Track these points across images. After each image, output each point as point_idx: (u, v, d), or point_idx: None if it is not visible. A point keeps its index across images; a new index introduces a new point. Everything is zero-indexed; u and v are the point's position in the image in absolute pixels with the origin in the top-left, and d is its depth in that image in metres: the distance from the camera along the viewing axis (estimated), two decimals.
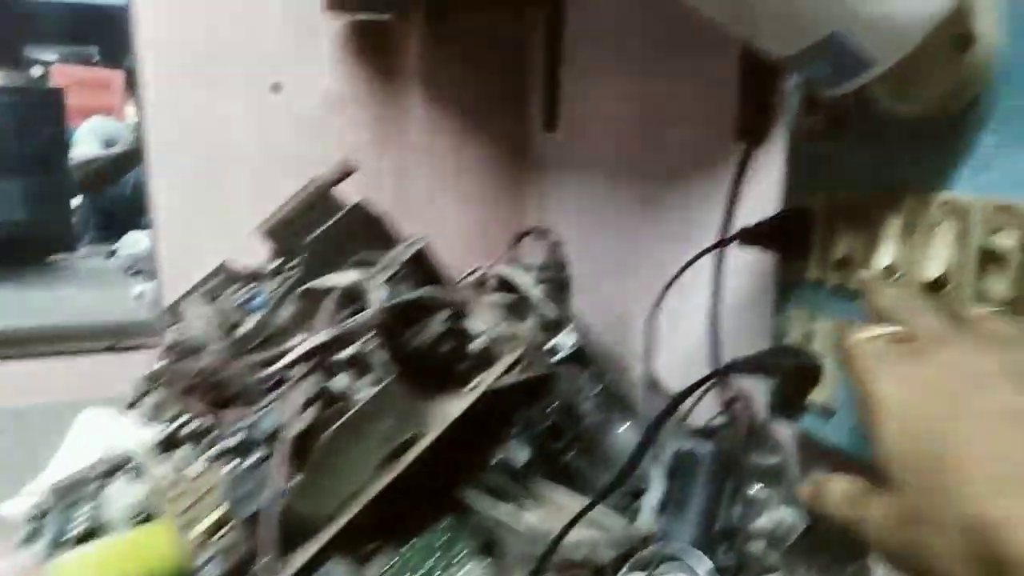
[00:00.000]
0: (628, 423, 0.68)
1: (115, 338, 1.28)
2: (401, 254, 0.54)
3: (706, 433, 0.72)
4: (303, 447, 0.47)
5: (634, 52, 1.00)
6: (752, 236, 0.59)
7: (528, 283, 0.76)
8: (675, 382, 0.97)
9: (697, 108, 0.87)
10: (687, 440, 0.67)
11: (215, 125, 1.32)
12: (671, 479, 0.66)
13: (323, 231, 0.55)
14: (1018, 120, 0.44)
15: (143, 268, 1.78)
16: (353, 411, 0.47)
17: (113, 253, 2.10)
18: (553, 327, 0.75)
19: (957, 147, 0.48)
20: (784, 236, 0.59)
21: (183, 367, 0.54)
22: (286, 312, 0.50)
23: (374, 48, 1.34)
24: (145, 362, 1.27)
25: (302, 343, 0.47)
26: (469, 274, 0.80)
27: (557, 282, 0.82)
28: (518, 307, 0.78)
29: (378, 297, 0.47)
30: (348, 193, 0.97)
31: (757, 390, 0.73)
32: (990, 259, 0.45)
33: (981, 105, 0.46)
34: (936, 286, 0.49)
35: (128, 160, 2.33)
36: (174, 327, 0.64)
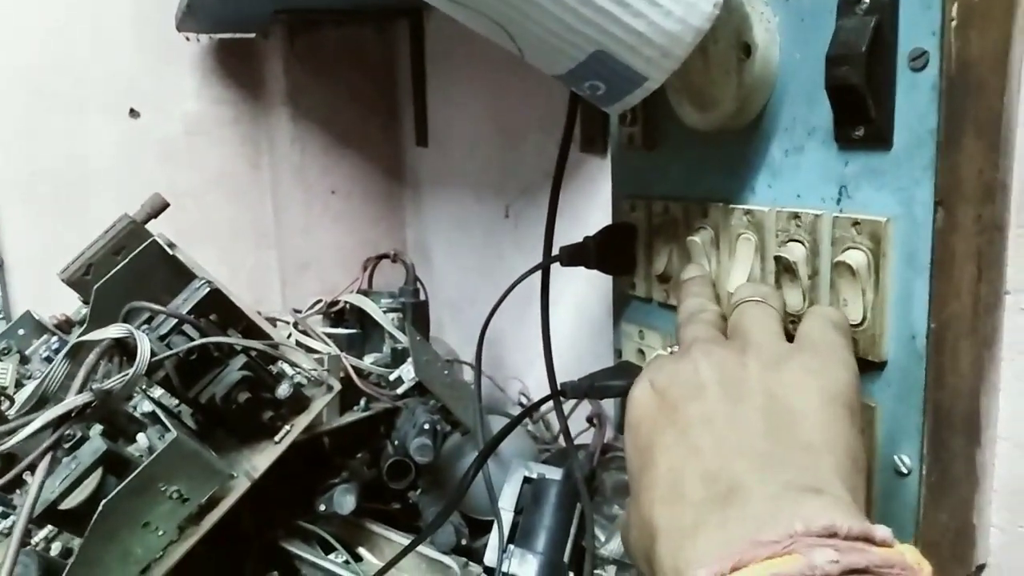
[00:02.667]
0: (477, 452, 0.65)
1: None
2: (188, 300, 0.50)
3: (559, 457, 0.70)
4: (80, 519, 0.43)
5: (488, 66, 0.99)
6: (574, 256, 0.57)
7: (378, 311, 0.73)
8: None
9: (547, 121, 0.86)
10: (537, 466, 0.65)
11: (71, 152, 1.24)
12: (521, 509, 0.63)
13: (112, 275, 0.50)
14: (797, 127, 0.44)
15: None
16: (136, 473, 0.43)
17: None
18: (403, 356, 0.72)
19: (752, 158, 0.47)
20: (609, 252, 0.58)
21: None
22: (59, 371, 0.46)
23: (239, 68, 1.29)
24: None
25: (49, 410, 0.43)
26: (315, 304, 0.76)
27: (412, 307, 0.79)
28: (371, 338, 0.75)
29: (144, 351, 0.44)
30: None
31: (611, 407, 0.72)
32: (785, 269, 0.44)
33: (768, 115, 0.45)
34: None
35: None
36: None
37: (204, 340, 0.47)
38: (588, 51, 0.39)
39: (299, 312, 0.74)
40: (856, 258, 0.40)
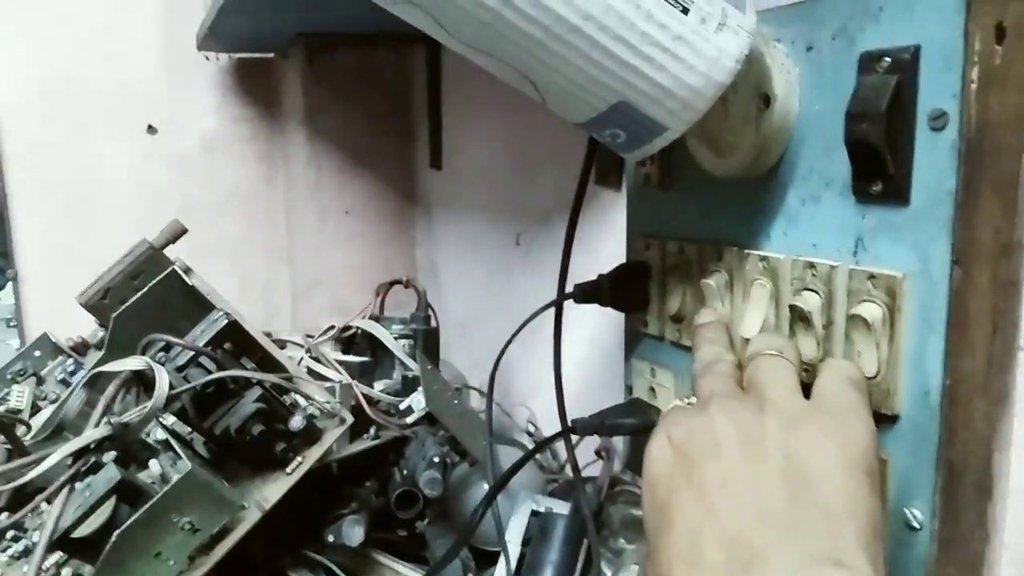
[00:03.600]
0: (487, 484, 0.66)
1: None
2: (205, 332, 0.50)
3: (569, 489, 0.70)
4: (101, 548, 0.43)
5: (504, 93, 0.99)
6: (588, 293, 0.58)
7: (390, 338, 0.74)
8: (553, 429, 0.96)
9: (564, 151, 0.86)
10: (545, 500, 0.65)
11: (88, 167, 1.26)
12: (528, 541, 0.63)
13: (132, 304, 0.51)
14: (815, 177, 0.44)
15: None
16: (150, 504, 0.44)
17: None
18: (414, 384, 0.72)
19: (768, 205, 0.47)
20: (623, 290, 0.58)
21: None
22: (76, 401, 0.46)
23: (257, 87, 1.30)
24: None
25: (71, 442, 0.43)
26: (327, 330, 0.77)
27: (423, 334, 0.80)
28: (382, 365, 0.75)
29: (163, 384, 0.44)
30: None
31: (621, 442, 0.72)
32: (799, 318, 0.44)
33: (785, 164, 0.46)
34: None
35: None
36: None
37: (222, 374, 0.48)
38: (610, 102, 0.40)
39: (311, 337, 0.75)
40: (871, 311, 0.40)
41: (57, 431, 0.46)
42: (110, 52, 1.23)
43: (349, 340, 0.83)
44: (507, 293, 1.01)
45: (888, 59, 0.38)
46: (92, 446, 0.43)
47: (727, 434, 0.34)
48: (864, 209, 0.41)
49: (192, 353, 0.48)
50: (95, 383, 0.46)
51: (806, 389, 0.40)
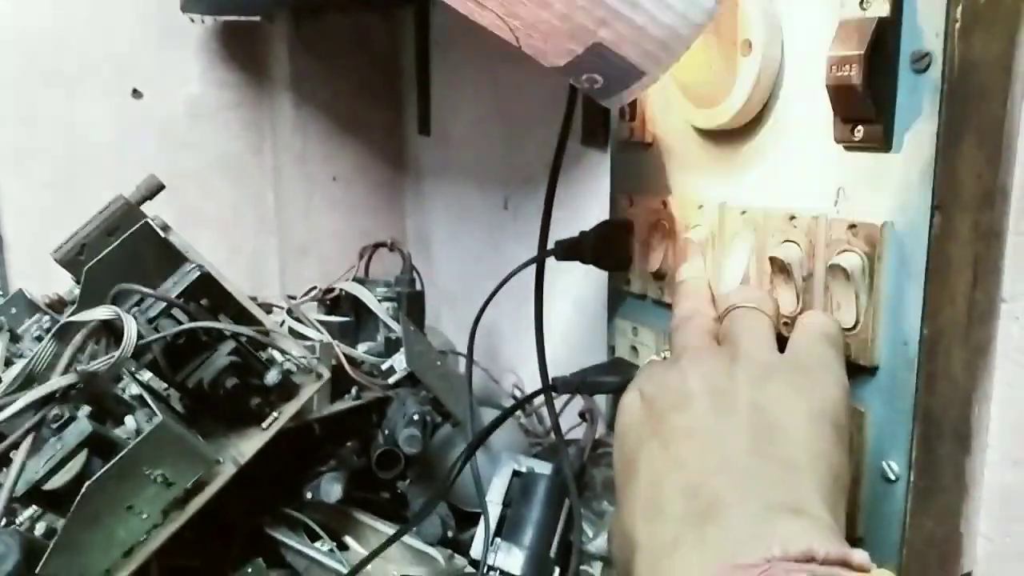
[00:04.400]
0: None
1: None
2: (178, 284, 0.50)
3: (550, 451, 0.70)
4: (64, 501, 0.43)
5: (492, 57, 0.98)
6: (569, 250, 0.57)
7: (373, 300, 0.73)
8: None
9: (551, 114, 0.85)
10: (527, 460, 0.64)
11: (71, 131, 1.23)
12: (509, 502, 0.63)
13: (103, 257, 0.50)
14: (797, 126, 0.43)
15: None
16: (120, 456, 0.43)
17: None
18: (397, 346, 0.71)
19: (750, 157, 0.47)
20: (605, 247, 0.58)
21: None
22: (47, 352, 0.46)
23: (243, 52, 1.28)
24: None
25: (34, 389, 0.43)
26: (310, 291, 0.76)
27: (407, 296, 0.79)
28: (366, 326, 0.75)
29: (131, 333, 0.43)
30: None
31: (604, 402, 0.71)
32: (779, 270, 0.44)
33: (767, 114, 0.45)
34: None
35: None
36: None
37: (192, 325, 0.47)
38: (586, 43, 0.39)
39: (294, 299, 0.74)
40: (851, 261, 0.39)
41: (27, 383, 0.46)
42: (93, 13, 1.20)
43: (333, 303, 0.82)
44: (496, 259, 1.00)
45: (871, 0, 0.37)
46: (58, 394, 0.43)
47: (696, 386, 0.34)
48: (845, 157, 0.40)
49: (164, 305, 0.48)
50: (64, 335, 0.46)
51: (785, 343, 0.39)
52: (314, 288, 0.76)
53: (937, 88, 0.36)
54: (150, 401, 0.46)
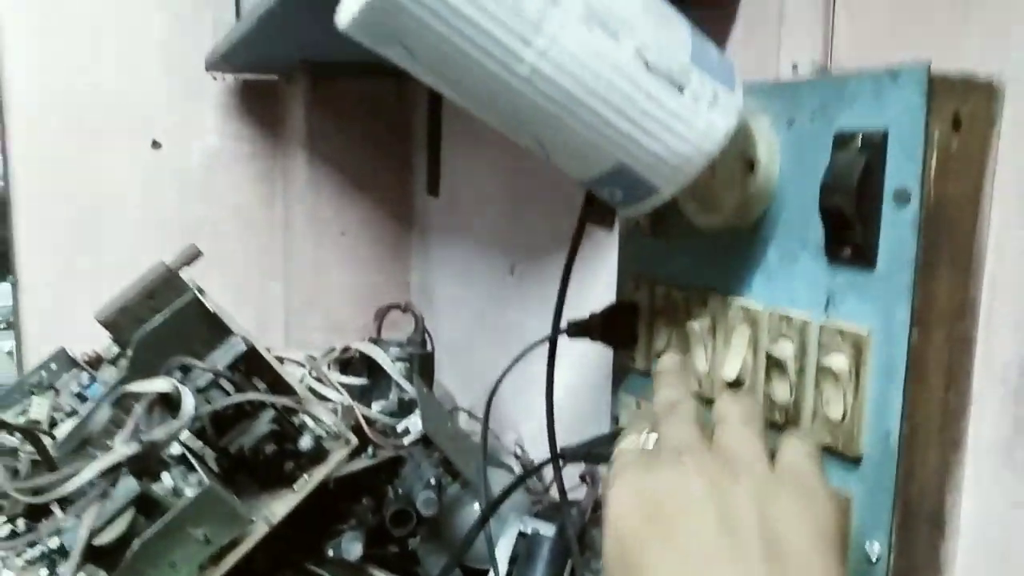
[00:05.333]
0: (477, 504, 0.69)
1: None
2: (222, 356, 0.54)
3: (554, 511, 0.74)
4: (116, 555, 0.46)
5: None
6: (581, 329, 0.62)
7: (388, 362, 0.77)
8: (542, 451, 1.00)
9: (557, 190, 0.91)
10: (532, 521, 0.68)
11: (91, 179, 1.28)
12: (515, 560, 0.67)
13: (154, 328, 0.54)
14: (793, 237, 0.48)
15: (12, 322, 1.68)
16: (168, 518, 0.47)
17: None
18: (410, 406, 0.76)
19: (750, 258, 0.52)
20: (613, 328, 0.62)
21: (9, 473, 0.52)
22: (102, 417, 0.49)
23: (260, 108, 1.34)
24: None
25: (105, 456, 0.46)
26: (329, 352, 0.80)
27: (419, 358, 0.83)
28: (379, 387, 0.79)
29: (188, 406, 0.47)
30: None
31: (604, 468, 0.75)
32: (774, 364, 0.49)
33: (766, 222, 0.50)
34: (735, 385, 0.52)
35: None
36: None
37: (242, 397, 0.51)
38: (611, 164, 0.44)
39: (313, 358, 0.78)
40: (839, 363, 0.44)
41: (81, 445, 0.49)
42: (120, 68, 1.26)
43: (346, 361, 0.86)
44: (500, 320, 1.04)
45: (860, 139, 0.43)
46: (123, 462, 0.47)
47: (701, 492, 0.35)
48: (835, 270, 0.45)
49: (211, 375, 0.52)
50: (121, 402, 0.49)
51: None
52: (333, 349, 0.80)
53: (916, 220, 0.41)
54: (196, 464, 0.50)
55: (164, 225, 1.31)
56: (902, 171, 0.41)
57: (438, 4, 0.37)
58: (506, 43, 0.39)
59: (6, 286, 2.03)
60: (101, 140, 1.27)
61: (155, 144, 1.30)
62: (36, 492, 0.46)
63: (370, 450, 0.69)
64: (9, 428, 0.51)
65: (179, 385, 0.48)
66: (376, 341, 0.85)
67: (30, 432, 0.51)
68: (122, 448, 0.46)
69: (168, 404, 0.48)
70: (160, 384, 0.48)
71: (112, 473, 0.46)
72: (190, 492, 0.52)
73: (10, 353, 1.49)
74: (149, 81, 1.28)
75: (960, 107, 0.41)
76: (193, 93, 1.30)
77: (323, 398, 0.69)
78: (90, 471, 0.45)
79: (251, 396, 0.52)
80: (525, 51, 0.39)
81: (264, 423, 0.52)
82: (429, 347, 0.86)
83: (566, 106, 0.41)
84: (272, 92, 1.33)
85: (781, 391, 0.48)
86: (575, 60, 0.40)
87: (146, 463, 0.48)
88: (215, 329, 0.57)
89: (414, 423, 0.70)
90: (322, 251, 1.32)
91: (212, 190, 1.35)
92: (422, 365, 0.84)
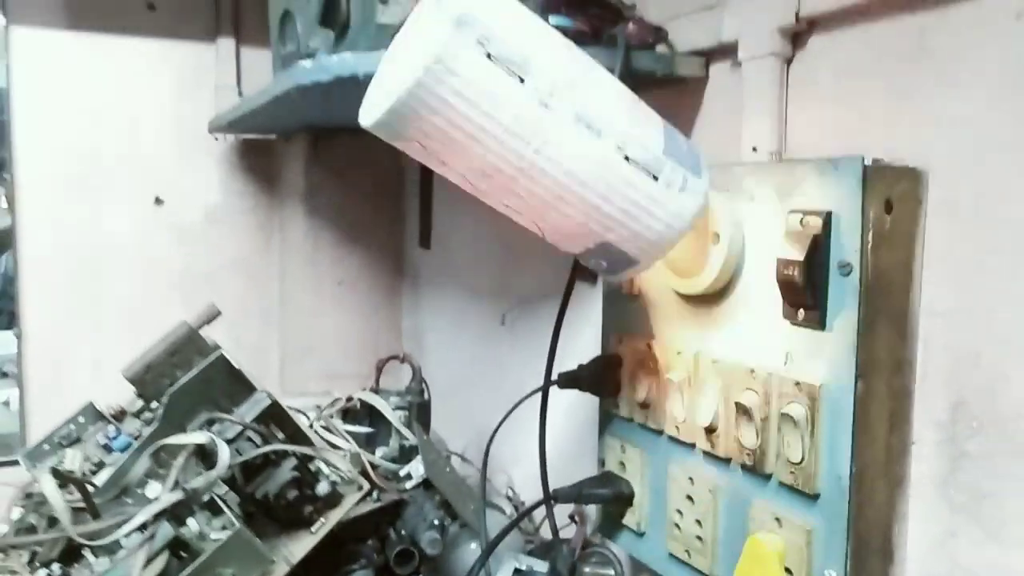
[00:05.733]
0: (475, 544, 0.74)
1: None
2: (250, 410, 0.59)
3: (545, 549, 0.79)
4: None
5: None
6: (570, 380, 0.68)
7: (389, 410, 0.83)
8: (532, 492, 1.05)
9: (544, 244, 0.98)
10: (526, 559, 0.74)
11: (94, 233, 1.34)
12: None
13: (184, 384, 0.60)
14: (755, 300, 0.55)
15: (10, 372, 1.71)
16: (203, 557, 0.52)
17: None
18: (411, 452, 0.81)
19: (719, 318, 0.59)
20: (599, 378, 0.69)
21: (43, 520, 0.57)
22: (141, 467, 0.55)
23: (259, 164, 1.40)
24: (9, 481, 1.24)
25: (152, 503, 0.51)
26: (335, 401, 0.85)
27: (417, 406, 0.89)
28: (379, 433, 0.84)
29: (224, 456, 0.53)
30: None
31: (592, 508, 0.81)
32: (742, 412, 0.55)
33: (733, 287, 0.57)
34: (709, 431, 0.59)
35: None
36: (35, 472, 0.66)
37: (271, 448, 0.57)
38: (597, 241, 0.51)
39: (320, 408, 0.84)
40: (797, 411, 0.51)
41: (121, 492, 0.54)
42: (125, 130, 1.32)
43: (347, 409, 0.91)
44: (491, 367, 1.10)
45: (809, 218, 0.50)
46: (168, 509, 0.52)
47: None
48: (791, 330, 0.52)
49: (240, 427, 0.57)
50: (158, 453, 0.55)
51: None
52: (338, 399, 0.85)
53: (857, 288, 0.48)
54: (225, 509, 0.55)
55: (164, 276, 1.36)
56: (844, 246, 0.49)
57: (450, 112, 0.44)
58: (508, 143, 0.46)
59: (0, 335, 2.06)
60: (105, 196, 1.33)
61: (157, 201, 1.36)
62: (92, 537, 0.51)
63: (375, 494, 0.74)
64: (63, 479, 0.56)
65: (215, 438, 0.54)
66: (376, 391, 0.90)
67: (79, 482, 0.56)
68: (168, 496, 0.51)
69: (203, 455, 0.53)
70: (197, 437, 0.54)
71: (160, 520, 0.51)
72: (215, 535, 0.57)
73: (6, 403, 1.52)
74: (152, 142, 1.34)
75: (891, 191, 0.49)
76: (195, 152, 1.37)
77: (333, 446, 0.74)
78: (142, 516, 0.50)
79: (278, 447, 0.57)
80: (524, 150, 0.46)
81: (286, 470, 0.57)
82: (426, 395, 0.92)
83: (559, 194, 0.48)
84: (271, 150, 1.40)
85: (749, 436, 0.55)
86: (566, 156, 0.47)
87: (184, 510, 0.53)
88: (239, 384, 0.62)
89: (415, 468, 0.76)
90: (319, 300, 1.37)
91: (212, 242, 1.40)
92: (420, 413, 0.90)
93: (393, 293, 1.42)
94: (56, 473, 0.57)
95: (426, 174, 1.31)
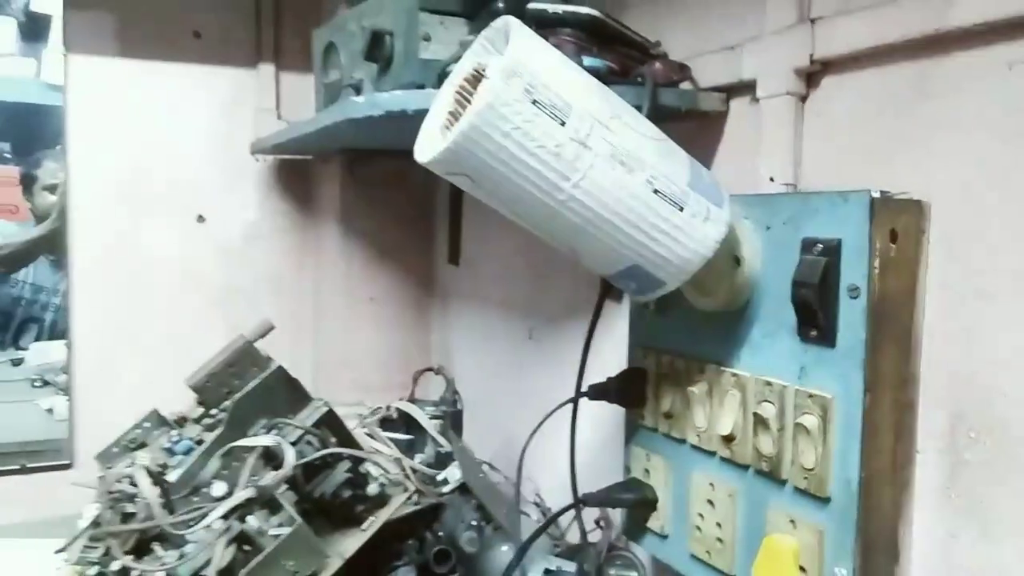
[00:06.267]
0: (507, 546, 0.79)
1: (27, 458, 1.31)
2: (309, 416, 0.65)
3: (573, 552, 0.84)
4: None
5: None
6: (598, 392, 0.73)
7: (425, 419, 0.88)
8: (557, 498, 1.10)
9: (571, 261, 1.03)
10: (556, 560, 0.78)
11: (141, 249, 1.41)
12: None
13: (247, 392, 0.65)
14: (772, 319, 0.60)
15: (51, 380, 1.78)
16: (268, 551, 0.57)
17: (20, 361, 2.07)
18: (446, 458, 0.86)
19: (738, 335, 0.64)
20: (626, 390, 0.74)
21: (118, 516, 0.62)
22: (212, 466, 0.60)
23: (296, 185, 1.47)
24: (55, 485, 1.31)
25: (226, 499, 0.57)
26: (376, 410, 0.91)
27: (451, 415, 0.94)
28: (416, 441, 0.90)
29: (290, 457, 0.58)
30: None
31: (617, 513, 0.86)
32: (760, 422, 0.60)
33: (751, 306, 0.62)
34: (728, 439, 0.63)
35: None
36: (108, 472, 0.72)
37: (331, 451, 0.62)
38: (627, 264, 0.56)
39: (363, 416, 0.89)
40: (810, 422, 0.56)
41: (194, 490, 0.60)
42: (171, 151, 1.39)
43: (385, 418, 0.97)
44: (518, 380, 1.16)
45: (821, 245, 0.55)
46: (241, 504, 0.57)
47: None
48: (805, 347, 0.57)
49: (300, 431, 0.63)
50: (229, 455, 0.60)
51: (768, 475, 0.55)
52: (379, 408, 0.91)
53: (864, 310, 0.53)
54: (287, 506, 0.60)
55: (205, 291, 1.43)
56: (853, 272, 0.54)
57: (500, 152, 0.50)
58: (550, 178, 0.51)
59: (41, 345, 2.13)
60: (152, 215, 1.40)
61: (200, 219, 1.43)
62: (178, 527, 0.56)
63: (414, 497, 0.79)
64: (151, 476, 0.61)
65: (282, 441, 0.59)
66: (413, 400, 0.96)
67: (160, 480, 0.61)
68: (242, 493, 0.57)
69: (267, 456, 0.59)
70: (266, 440, 0.59)
71: (237, 513, 0.56)
72: (273, 531, 0.62)
73: (50, 410, 1.59)
74: (196, 162, 1.41)
75: (896, 223, 0.54)
76: (235, 172, 1.44)
77: (376, 452, 0.80)
78: (222, 509, 0.56)
79: (335, 450, 0.63)
80: (564, 184, 0.52)
81: (341, 472, 0.62)
82: (459, 406, 0.97)
83: (594, 223, 0.53)
84: (308, 170, 1.47)
85: (766, 444, 0.60)
86: (601, 189, 0.52)
87: (247, 507, 0.59)
88: (295, 393, 0.68)
89: (452, 473, 0.81)
90: (351, 315, 1.43)
91: (249, 259, 1.47)
92: (454, 421, 0.95)
93: (423, 309, 1.48)
94: (147, 471, 0.63)
95: (456, 194, 1.37)
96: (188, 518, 0.57)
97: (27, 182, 1.88)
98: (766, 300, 0.61)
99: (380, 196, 1.43)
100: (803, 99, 0.66)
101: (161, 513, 0.58)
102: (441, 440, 0.88)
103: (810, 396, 0.56)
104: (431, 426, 0.89)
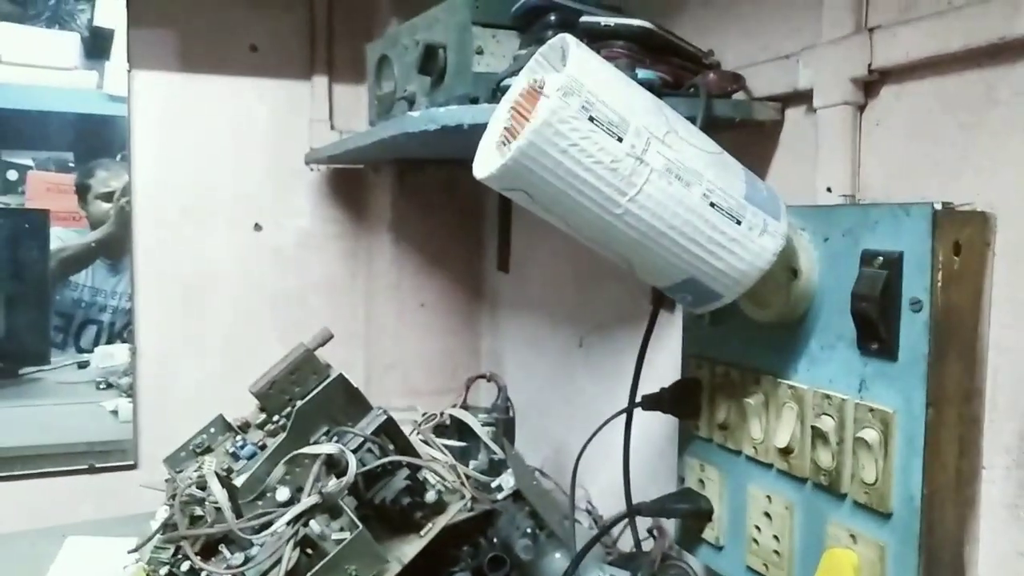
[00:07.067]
0: (560, 553, 0.80)
1: (95, 458, 1.36)
2: (369, 424, 0.67)
3: (626, 560, 0.84)
4: None
5: None
6: (652, 402, 0.73)
7: (478, 426, 0.89)
8: (609, 506, 1.10)
9: (622, 272, 1.03)
10: (608, 568, 0.79)
11: (200, 257, 1.45)
12: None
13: (309, 400, 0.67)
14: (830, 331, 0.60)
15: (114, 382, 1.83)
16: (332, 555, 0.59)
17: (85, 364, 2.15)
18: (499, 465, 0.87)
19: (795, 347, 0.63)
20: (680, 400, 0.74)
21: (186, 518, 0.65)
22: (278, 472, 0.62)
23: (348, 193, 1.51)
24: (121, 485, 1.36)
25: (293, 504, 0.59)
26: (429, 417, 0.93)
27: (503, 423, 0.95)
28: (469, 447, 0.91)
29: (352, 465, 0.60)
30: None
31: (670, 522, 0.86)
32: (818, 435, 0.60)
33: (809, 318, 0.62)
34: (786, 452, 0.63)
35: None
36: (176, 475, 0.75)
37: (393, 458, 0.64)
38: (684, 277, 0.56)
39: (418, 423, 0.91)
40: (871, 436, 0.55)
41: (260, 495, 0.62)
42: (229, 161, 1.44)
43: (438, 424, 0.98)
44: (568, 387, 1.16)
45: (881, 258, 0.55)
46: (307, 510, 0.59)
47: None
48: (865, 360, 0.57)
49: (361, 439, 0.64)
50: (293, 461, 0.62)
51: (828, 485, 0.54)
52: (433, 415, 0.93)
53: (927, 323, 0.52)
54: (348, 512, 0.62)
55: (260, 297, 1.47)
56: (915, 285, 0.53)
57: (557, 168, 0.51)
58: (607, 193, 0.52)
59: (106, 348, 2.20)
60: (211, 223, 1.44)
61: (257, 227, 1.47)
62: (247, 531, 0.58)
63: (469, 503, 0.80)
64: (220, 481, 0.64)
65: (345, 449, 0.61)
66: (466, 407, 0.97)
67: (230, 485, 0.64)
68: (308, 499, 0.59)
69: (329, 464, 0.61)
70: (329, 448, 0.61)
71: (304, 518, 0.58)
72: (335, 536, 0.64)
73: (114, 411, 1.65)
74: (253, 171, 1.45)
75: (959, 235, 0.53)
76: (290, 181, 1.47)
77: (433, 459, 0.81)
78: (290, 514, 0.58)
79: (395, 458, 0.64)
80: (620, 198, 0.52)
81: (400, 479, 0.64)
82: (511, 413, 0.98)
83: (651, 236, 0.54)
84: (360, 179, 1.50)
85: (825, 458, 0.59)
86: (658, 204, 0.53)
87: (310, 512, 0.61)
88: (355, 400, 0.69)
89: (506, 480, 0.82)
90: (402, 321, 1.46)
91: (303, 266, 1.51)
92: (506, 428, 0.96)
93: (472, 315, 1.50)
94: (219, 476, 0.66)
95: (505, 202, 1.38)
96: (258, 523, 0.60)
97: (81, 191, 1.96)
98: (824, 312, 0.61)
99: (430, 204, 1.45)
100: (861, 109, 0.65)
101: (231, 517, 0.61)
102: (494, 447, 0.89)
103: (871, 410, 0.56)
104: (484, 433, 0.90)
